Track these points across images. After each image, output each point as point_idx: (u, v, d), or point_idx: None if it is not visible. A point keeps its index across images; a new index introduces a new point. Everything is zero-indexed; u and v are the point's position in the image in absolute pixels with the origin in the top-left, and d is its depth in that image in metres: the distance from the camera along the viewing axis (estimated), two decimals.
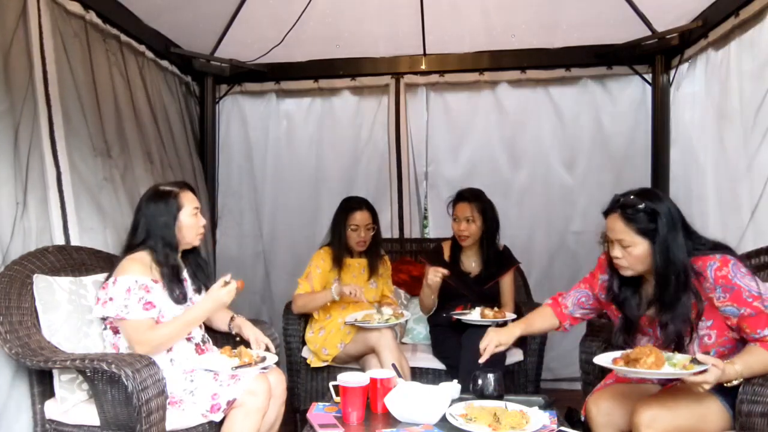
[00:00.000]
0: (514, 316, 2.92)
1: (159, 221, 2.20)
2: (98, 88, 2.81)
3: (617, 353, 1.88)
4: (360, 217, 3.04)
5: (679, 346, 1.88)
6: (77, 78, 2.65)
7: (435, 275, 2.85)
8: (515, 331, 2.26)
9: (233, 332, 2.43)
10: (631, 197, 1.88)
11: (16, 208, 2.27)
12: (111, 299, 2.08)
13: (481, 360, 2.18)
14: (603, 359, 1.89)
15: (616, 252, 1.91)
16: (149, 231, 2.20)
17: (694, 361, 1.72)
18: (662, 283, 1.86)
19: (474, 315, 2.82)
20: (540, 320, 2.29)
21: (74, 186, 2.52)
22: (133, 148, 3.03)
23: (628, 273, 1.94)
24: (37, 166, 2.40)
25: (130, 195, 2.91)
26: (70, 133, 2.53)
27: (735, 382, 1.74)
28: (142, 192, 2.92)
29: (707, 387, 1.69)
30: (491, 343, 2.19)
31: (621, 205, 1.89)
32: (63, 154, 2.49)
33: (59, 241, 2.44)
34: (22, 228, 2.29)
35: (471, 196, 3.02)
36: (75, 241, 2.49)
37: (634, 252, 1.87)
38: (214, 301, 2.17)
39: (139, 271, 2.12)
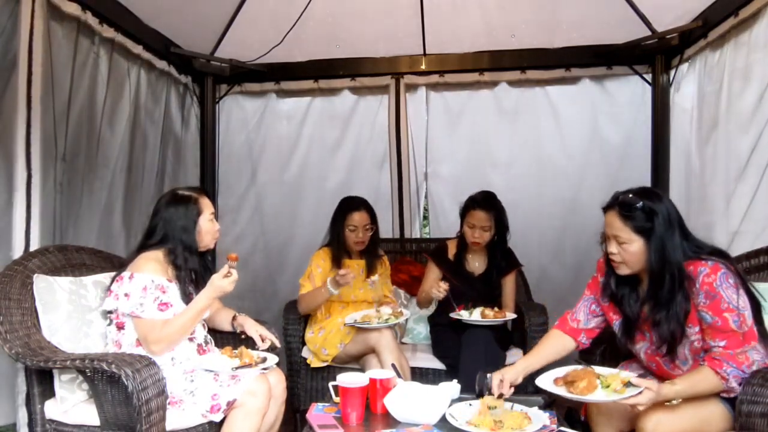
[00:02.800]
0: (514, 316, 2.93)
1: (178, 225, 2.21)
2: (73, 90, 2.78)
3: (560, 371, 1.89)
4: (358, 218, 3.03)
5: (671, 347, 1.89)
6: (56, 80, 2.63)
7: (438, 291, 2.85)
8: (518, 366, 2.11)
9: (237, 330, 2.43)
10: (630, 195, 1.88)
11: None
12: (126, 295, 2.09)
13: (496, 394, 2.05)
14: (544, 381, 1.90)
15: (612, 248, 1.91)
16: (167, 234, 2.21)
17: (629, 384, 1.75)
18: (656, 282, 1.87)
19: (474, 315, 2.82)
20: (549, 345, 2.17)
21: (42, 189, 2.49)
22: (91, 152, 2.97)
23: (623, 271, 1.94)
24: (4, 169, 2.37)
25: (71, 201, 2.85)
26: (42, 136, 2.51)
27: (675, 402, 1.77)
28: (86, 199, 2.93)
29: (641, 408, 1.72)
30: (496, 379, 2.05)
31: (619, 203, 1.89)
32: (36, 156, 2.46)
33: (19, 244, 2.40)
34: None
35: (488, 205, 2.98)
36: (35, 245, 2.44)
37: (630, 249, 1.87)
38: (217, 289, 2.16)
39: (154, 270, 2.14)
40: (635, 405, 1.72)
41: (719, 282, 1.77)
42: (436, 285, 2.87)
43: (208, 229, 2.28)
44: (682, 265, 1.82)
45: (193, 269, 2.26)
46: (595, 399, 1.79)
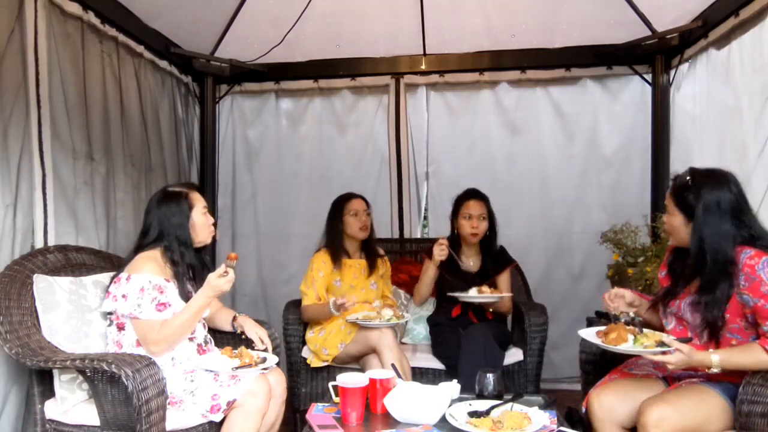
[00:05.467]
0: (510, 294, 3.02)
1: (172, 221, 2.22)
2: (87, 90, 2.79)
3: (604, 327, 2.06)
4: (357, 203, 3.11)
5: (713, 331, 1.90)
6: (66, 80, 2.64)
7: (441, 250, 2.90)
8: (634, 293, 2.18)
9: (237, 331, 2.43)
10: (687, 174, 1.95)
11: (6, 210, 2.27)
12: (124, 296, 2.09)
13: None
14: (586, 332, 2.10)
15: (665, 217, 2.03)
16: (162, 231, 2.22)
17: (662, 343, 1.84)
18: (697, 262, 1.91)
19: (471, 293, 2.88)
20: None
21: (55, 188, 2.52)
22: (116, 151, 3.01)
23: (672, 241, 2.06)
24: (26, 169, 2.40)
25: (105, 199, 2.89)
26: (54, 135, 2.54)
27: (715, 370, 1.80)
28: (118, 196, 2.97)
29: (671, 367, 1.82)
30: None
31: (676, 177, 2.01)
32: (48, 155, 2.49)
33: (40, 243, 2.43)
34: (11, 230, 2.30)
35: (480, 196, 3.09)
36: (52, 244, 2.47)
37: (671, 221, 1.98)
38: (214, 288, 2.15)
39: (152, 270, 2.13)
40: (665, 363, 1.81)
41: (762, 266, 1.78)
42: (437, 247, 2.91)
43: (202, 223, 2.28)
44: (731, 253, 1.84)
45: (190, 264, 2.25)
46: (621, 349, 1.91)
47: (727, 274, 1.84)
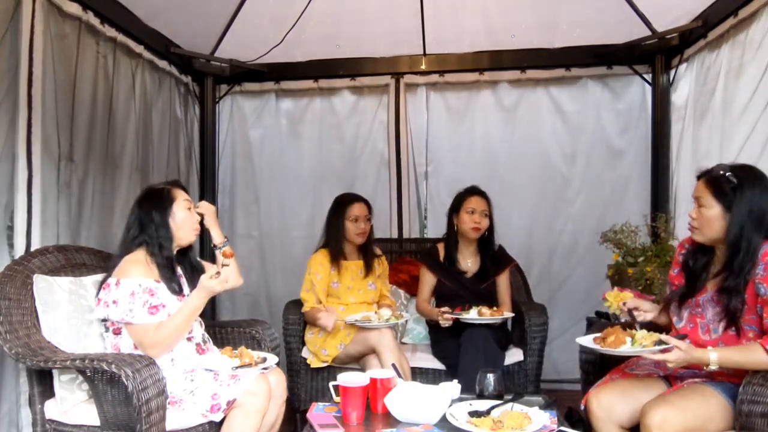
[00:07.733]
0: (512, 314, 2.93)
1: (153, 217, 2.20)
2: (77, 90, 2.77)
3: (598, 334, 2.06)
4: (358, 209, 3.08)
5: (734, 319, 1.90)
6: (58, 80, 2.63)
7: (446, 321, 2.84)
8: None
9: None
10: (721, 169, 1.92)
11: None
12: (115, 302, 2.07)
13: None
14: (584, 339, 2.11)
15: (693, 212, 1.97)
16: (143, 228, 2.20)
17: (660, 343, 1.84)
18: (733, 252, 1.89)
19: (472, 314, 2.82)
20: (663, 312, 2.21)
21: (42, 190, 2.49)
22: (99, 152, 2.97)
23: (697, 237, 1.98)
24: (5, 169, 2.37)
25: (80, 202, 2.85)
26: (43, 136, 2.51)
27: (713, 367, 1.80)
28: (96, 200, 2.93)
29: (671, 366, 1.83)
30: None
31: (710, 170, 1.96)
32: (37, 156, 2.47)
33: (21, 245, 2.41)
34: None
35: (485, 194, 3.08)
36: (36, 246, 2.45)
37: (706, 213, 1.92)
38: (206, 289, 2.15)
39: (140, 273, 2.11)
40: (663, 361, 1.82)
41: None
42: (441, 316, 2.85)
43: (183, 217, 2.25)
44: (762, 243, 1.84)
45: (168, 257, 2.22)
46: (620, 352, 1.92)
47: (753, 263, 1.84)
